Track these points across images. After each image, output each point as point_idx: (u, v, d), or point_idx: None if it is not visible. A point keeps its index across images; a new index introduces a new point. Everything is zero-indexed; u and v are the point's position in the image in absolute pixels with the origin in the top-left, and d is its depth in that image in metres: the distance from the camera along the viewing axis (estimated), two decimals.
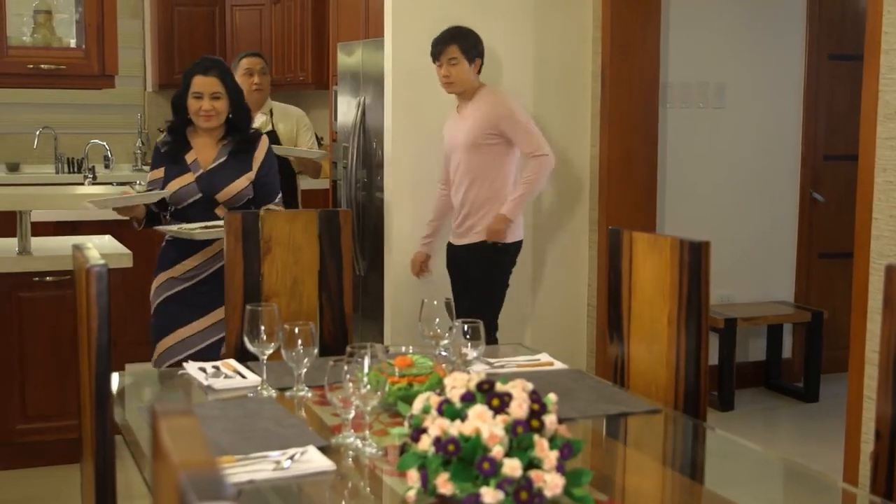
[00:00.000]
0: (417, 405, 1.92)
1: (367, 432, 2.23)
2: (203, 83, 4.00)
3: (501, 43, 5.13)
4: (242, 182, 4.04)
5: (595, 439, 2.49)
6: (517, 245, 4.70)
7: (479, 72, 4.70)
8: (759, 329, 5.86)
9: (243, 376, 2.79)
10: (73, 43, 7.23)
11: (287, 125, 5.48)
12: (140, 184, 5.22)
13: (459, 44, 4.62)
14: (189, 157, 4.06)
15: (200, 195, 4.03)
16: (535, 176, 4.61)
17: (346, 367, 2.18)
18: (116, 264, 4.15)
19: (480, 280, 4.67)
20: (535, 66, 5.23)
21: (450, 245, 4.83)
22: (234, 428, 2.33)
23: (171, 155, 4.07)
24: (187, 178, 4.03)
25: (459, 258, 4.75)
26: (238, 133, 4.11)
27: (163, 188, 4.02)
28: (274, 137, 5.23)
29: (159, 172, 4.08)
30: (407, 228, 5.13)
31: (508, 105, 4.67)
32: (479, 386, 1.85)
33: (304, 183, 7.61)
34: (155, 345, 4.12)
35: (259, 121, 5.20)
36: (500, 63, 5.14)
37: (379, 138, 5.51)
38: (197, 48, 8.20)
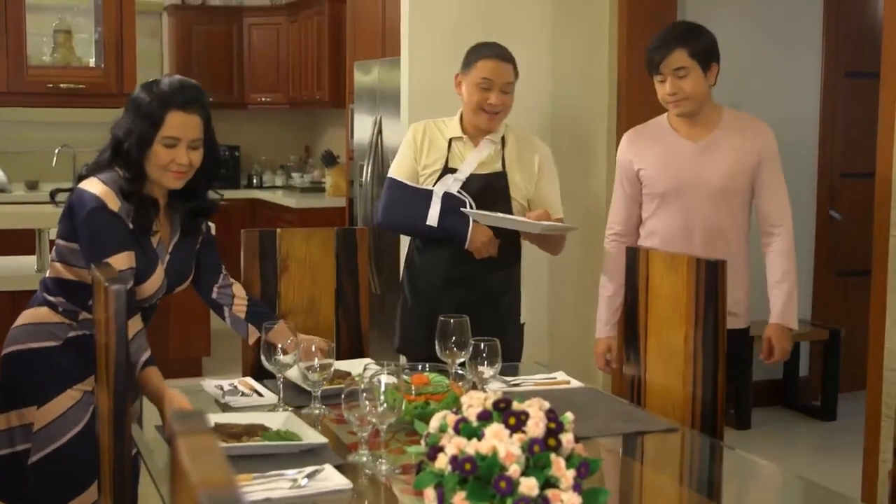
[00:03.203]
0: (434, 423, 1.92)
1: (383, 450, 2.24)
2: (183, 124, 2.59)
3: (519, 58, 5.12)
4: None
5: (612, 458, 2.48)
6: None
7: (714, 83, 3.45)
8: None
9: (260, 394, 2.80)
10: (92, 62, 7.28)
11: (525, 169, 3.45)
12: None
13: (689, 46, 3.33)
14: (154, 236, 2.71)
15: (163, 292, 2.78)
16: (791, 262, 3.61)
17: (362, 386, 2.19)
18: None
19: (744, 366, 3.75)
20: (552, 81, 5.23)
21: None
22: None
23: (138, 231, 2.65)
24: (160, 274, 2.71)
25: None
26: (192, 198, 2.74)
27: (137, 283, 2.62)
28: (502, 184, 3.40)
29: (131, 258, 2.61)
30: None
31: (774, 140, 3.48)
32: (496, 404, 1.85)
33: (318, 202, 7.65)
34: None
35: (485, 152, 3.43)
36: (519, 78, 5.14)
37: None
38: (215, 67, 8.27)
